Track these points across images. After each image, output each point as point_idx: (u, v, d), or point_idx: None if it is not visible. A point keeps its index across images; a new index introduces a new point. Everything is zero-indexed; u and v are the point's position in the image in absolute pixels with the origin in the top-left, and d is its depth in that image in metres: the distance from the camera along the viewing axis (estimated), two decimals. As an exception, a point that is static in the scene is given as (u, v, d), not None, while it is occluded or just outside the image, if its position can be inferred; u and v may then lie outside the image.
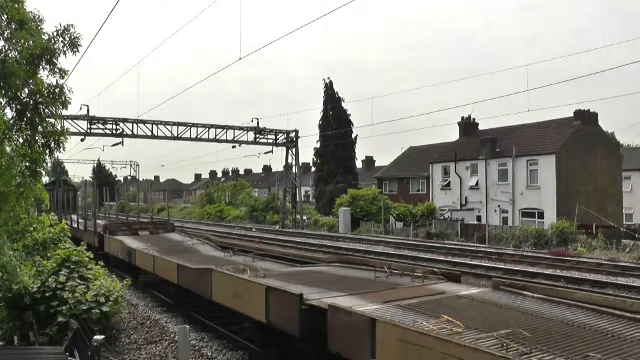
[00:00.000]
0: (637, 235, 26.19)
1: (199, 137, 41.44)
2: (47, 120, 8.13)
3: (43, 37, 7.80)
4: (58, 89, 8.02)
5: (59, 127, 8.37)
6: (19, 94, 7.88)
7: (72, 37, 7.92)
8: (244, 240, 28.67)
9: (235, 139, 42.96)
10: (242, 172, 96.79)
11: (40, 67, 7.85)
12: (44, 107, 7.97)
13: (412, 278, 8.52)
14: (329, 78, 54.62)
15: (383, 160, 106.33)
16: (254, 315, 7.98)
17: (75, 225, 23.46)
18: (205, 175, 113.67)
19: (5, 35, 7.66)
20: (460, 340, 4.74)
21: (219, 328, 10.50)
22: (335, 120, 51.36)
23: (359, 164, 59.01)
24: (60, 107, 8.10)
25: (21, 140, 8.20)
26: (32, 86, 7.87)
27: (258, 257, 12.96)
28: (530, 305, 6.68)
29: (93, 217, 23.60)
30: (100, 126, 37.75)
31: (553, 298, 6.94)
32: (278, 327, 7.35)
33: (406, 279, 8.63)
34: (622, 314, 5.94)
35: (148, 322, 12.16)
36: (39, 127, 8.07)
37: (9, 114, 8.11)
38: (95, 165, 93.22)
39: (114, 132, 38.21)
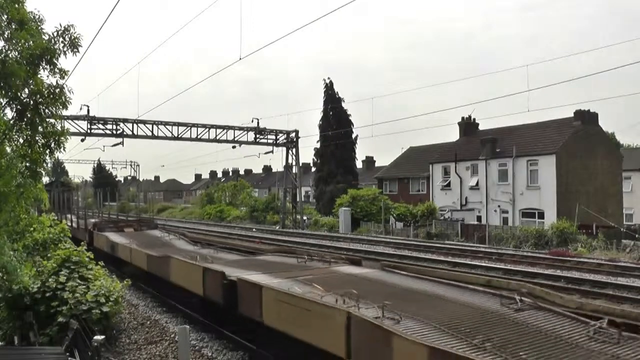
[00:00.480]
0: (637, 235, 26.19)
1: (199, 137, 41.42)
2: (47, 120, 8.13)
3: (43, 37, 7.80)
4: (58, 89, 8.02)
5: (59, 127, 8.37)
6: (19, 94, 7.88)
7: (72, 37, 7.92)
8: (244, 240, 28.70)
9: (235, 139, 42.95)
10: (242, 172, 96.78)
11: (40, 67, 7.85)
12: (44, 107, 7.97)
13: (323, 262, 10.74)
14: (329, 78, 54.65)
15: (383, 160, 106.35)
16: (195, 290, 10.21)
17: (69, 224, 23.99)
18: (205, 175, 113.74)
19: (5, 35, 7.66)
20: (311, 297, 6.85)
21: (178, 305, 12.80)
22: (335, 120, 51.34)
23: (359, 164, 58.99)
24: (60, 107, 8.10)
25: (21, 140, 8.20)
26: (32, 86, 7.87)
27: (220, 249, 15.35)
28: (394, 279, 8.86)
29: (84, 216, 26.14)
30: (100, 126, 37.73)
31: (419, 275, 9.12)
32: (210, 298, 9.58)
33: (319, 263, 10.76)
34: (462, 284, 8.04)
35: (148, 322, 12.16)
36: (39, 127, 8.07)
37: (9, 114, 8.11)
38: (95, 165, 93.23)
39: (114, 132, 38.20)
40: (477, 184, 39.81)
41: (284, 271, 9.72)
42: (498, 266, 19.48)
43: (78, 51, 8.04)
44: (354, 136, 52.39)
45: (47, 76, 8.02)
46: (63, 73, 8.04)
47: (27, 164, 8.12)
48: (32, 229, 11.22)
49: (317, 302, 6.54)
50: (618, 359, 4.65)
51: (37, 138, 8.14)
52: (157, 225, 24.35)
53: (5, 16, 7.51)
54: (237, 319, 8.92)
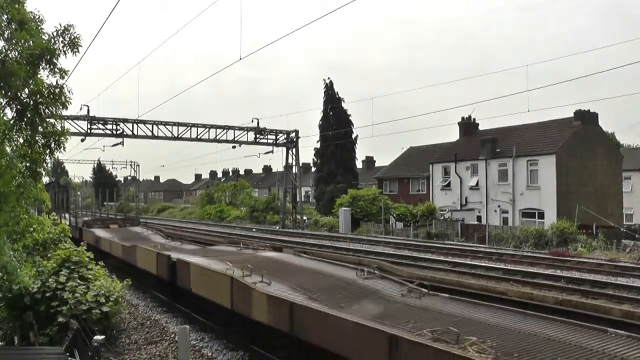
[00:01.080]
0: (637, 235, 26.17)
1: (199, 137, 41.42)
2: (47, 120, 8.13)
3: (43, 37, 7.80)
4: (58, 89, 8.02)
5: (59, 127, 8.38)
6: (18, 94, 7.88)
7: (72, 37, 7.92)
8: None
9: (235, 139, 42.94)
10: (242, 172, 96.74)
11: (40, 67, 7.85)
12: (44, 107, 7.97)
13: (253, 249, 13.69)
14: (329, 78, 54.63)
15: (383, 160, 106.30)
16: (151, 270, 13.06)
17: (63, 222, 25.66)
18: (205, 175, 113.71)
19: (5, 35, 7.66)
20: (216, 269, 9.65)
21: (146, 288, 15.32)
22: (335, 120, 51.33)
23: (359, 164, 58.97)
24: (60, 107, 8.10)
25: (21, 140, 8.20)
26: (32, 86, 7.87)
27: (186, 241, 18.41)
28: (294, 260, 11.64)
29: (76, 215, 29.92)
30: (100, 126, 37.72)
31: (317, 258, 12.22)
32: (160, 276, 12.55)
33: (249, 250, 13.70)
34: (337, 262, 11.35)
35: (148, 322, 12.17)
36: (39, 127, 8.07)
37: (9, 114, 8.11)
38: (95, 165, 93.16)
39: (114, 132, 38.19)
40: (477, 184, 39.81)
41: (219, 255, 12.30)
42: (498, 266, 19.47)
43: (78, 51, 8.04)
44: (354, 136, 52.39)
45: (47, 76, 8.03)
46: (63, 73, 8.04)
47: (27, 164, 8.12)
48: (32, 229, 11.22)
49: (217, 271, 9.53)
50: (421, 307, 7.16)
51: (37, 138, 8.15)
52: (139, 222, 27.28)
53: (5, 16, 7.51)
54: (177, 290, 11.94)
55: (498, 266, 19.49)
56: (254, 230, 42.68)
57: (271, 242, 29.86)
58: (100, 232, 21.67)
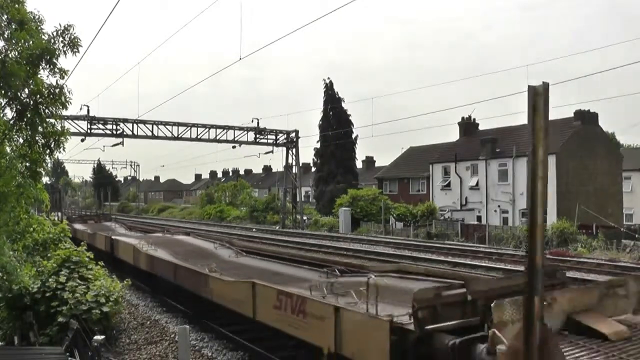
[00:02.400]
0: (637, 235, 26.17)
1: (199, 137, 41.42)
2: (47, 120, 8.13)
3: (43, 37, 7.80)
4: (58, 89, 8.02)
5: (58, 127, 8.38)
6: (18, 94, 7.88)
7: (72, 37, 7.92)
8: (244, 240, 28.70)
9: (235, 139, 42.94)
10: (242, 172, 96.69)
11: (40, 67, 7.85)
12: (43, 107, 7.98)
13: (171, 233, 20.72)
14: (328, 78, 54.59)
15: (383, 160, 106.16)
16: (102, 248, 18.27)
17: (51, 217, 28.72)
18: (205, 175, 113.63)
19: (5, 35, 7.66)
20: (132, 242, 16.02)
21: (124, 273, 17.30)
22: (335, 120, 51.33)
23: (359, 164, 58.94)
24: (60, 107, 8.10)
25: (21, 140, 8.21)
26: (32, 86, 7.87)
27: (138, 231, 23.65)
28: (187, 239, 18.22)
29: (63, 212, 35.94)
30: (100, 126, 37.73)
31: (201, 237, 18.98)
32: (106, 250, 17.83)
33: (168, 234, 20.30)
34: (209, 240, 17.73)
35: (148, 322, 12.17)
36: (39, 127, 8.07)
37: (9, 114, 8.11)
38: (95, 165, 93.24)
39: (114, 132, 38.20)
40: (477, 184, 39.80)
41: (144, 238, 18.25)
42: (498, 266, 19.47)
43: (78, 51, 8.04)
44: (354, 136, 52.40)
45: (47, 76, 8.04)
46: (63, 73, 8.05)
47: (27, 164, 8.12)
48: (32, 229, 11.22)
49: (129, 244, 15.81)
50: (237, 262, 12.48)
51: (37, 138, 8.15)
52: (111, 219, 34.84)
53: (5, 16, 7.51)
54: (115, 259, 16.97)
55: (498, 266, 19.50)
56: (254, 230, 42.67)
57: (266, 240, 30.05)
58: (78, 226, 26.56)
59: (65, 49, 7.89)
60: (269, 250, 15.52)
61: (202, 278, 10.10)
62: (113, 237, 18.39)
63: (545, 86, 3.89)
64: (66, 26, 7.91)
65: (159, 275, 12.90)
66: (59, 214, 36.88)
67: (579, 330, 4.96)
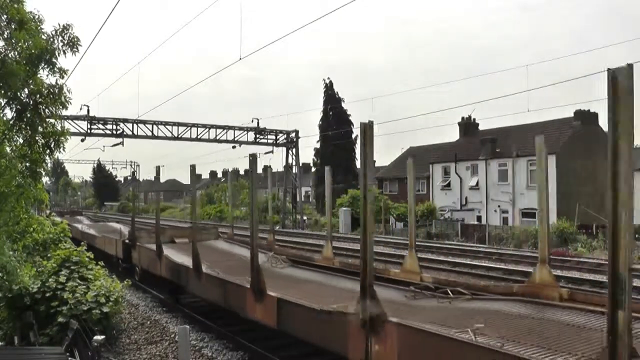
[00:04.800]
0: (637, 235, 26.16)
1: (199, 137, 41.43)
2: (47, 120, 8.13)
3: (42, 36, 7.79)
4: (57, 89, 8.02)
5: (58, 127, 8.37)
6: (18, 93, 7.87)
7: (71, 36, 7.91)
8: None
9: (235, 139, 42.96)
10: (242, 172, 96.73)
11: (40, 66, 7.85)
12: (43, 107, 7.97)
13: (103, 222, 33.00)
14: (328, 78, 54.64)
15: (383, 160, 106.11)
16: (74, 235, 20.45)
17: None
18: (205, 175, 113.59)
19: (5, 35, 7.66)
20: (76, 226, 26.00)
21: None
22: (335, 120, 51.34)
23: (358, 164, 58.86)
24: (60, 107, 8.10)
25: (21, 140, 8.20)
26: (31, 86, 7.87)
27: (95, 222, 32.53)
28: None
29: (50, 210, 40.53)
30: (100, 126, 37.74)
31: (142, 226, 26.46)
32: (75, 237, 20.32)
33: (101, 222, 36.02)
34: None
35: (148, 322, 12.16)
36: (39, 127, 8.07)
37: (9, 114, 8.11)
38: (95, 165, 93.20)
39: (114, 132, 38.21)
40: (477, 184, 39.80)
41: (97, 228, 26.13)
42: (498, 266, 19.47)
43: (77, 50, 8.03)
44: (354, 136, 52.39)
45: (47, 76, 8.03)
46: (63, 72, 8.04)
47: (27, 164, 8.12)
48: (32, 229, 11.22)
49: (97, 235, 21.65)
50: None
51: (36, 138, 8.15)
52: (82, 214, 48.43)
53: (5, 16, 7.50)
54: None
55: (498, 266, 19.50)
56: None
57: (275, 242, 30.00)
58: (56, 219, 32.79)
59: (64, 48, 7.89)
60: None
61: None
62: (77, 225, 25.87)
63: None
64: (65, 25, 7.91)
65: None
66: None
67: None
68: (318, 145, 53.36)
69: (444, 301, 7.44)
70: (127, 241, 16.33)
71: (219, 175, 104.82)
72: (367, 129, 4.98)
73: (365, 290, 5.40)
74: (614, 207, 3.22)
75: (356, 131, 52.41)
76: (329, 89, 52.55)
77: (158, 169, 14.80)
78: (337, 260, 11.82)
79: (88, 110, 36.66)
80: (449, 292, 7.76)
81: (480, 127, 44.83)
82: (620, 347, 3.01)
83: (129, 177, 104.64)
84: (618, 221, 3.22)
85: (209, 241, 16.49)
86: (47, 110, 8.03)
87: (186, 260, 11.46)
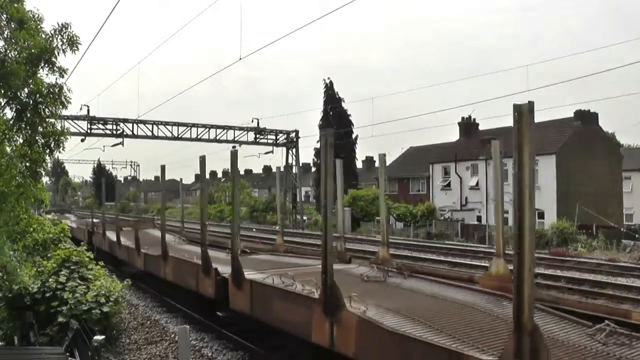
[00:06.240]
0: (637, 235, 26.17)
1: (199, 137, 41.44)
2: (47, 120, 8.12)
3: (42, 35, 7.78)
4: (57, 88, 8.00)
5: (58, 127, 8.37)
6: (18, 93, 7.87)
7: (70, 35, 7.89)
8: (245, 241, 28.75)
9: (235, 139, 42.95)
10: (242, 172, 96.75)
11: (40, 66, 7.84)
12: (43, 107, 7.96)
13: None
14: (328, 78, 54.56)
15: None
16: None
17: None
18: (205, 175, 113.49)
19: (5, 35, 7.65)
20: (79, 226, 29.15)
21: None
22: (336, 120, 51.32)
23: (359, 164, 58.93)
24: (60, 106, 8.09)
25: (21, 140, 8.19)
26: (31, 86, 7.86)
27: (80, 218, 39.11)
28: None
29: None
30: (100, 126, 37.73)
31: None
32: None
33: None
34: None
35: (148, 322, 12.15)
36: (39, 127, 8.06)
37: (9, 113, 8.10)
38: (95, 165, 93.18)
39: (114, 132, 38.21)
40: (477, 184, 39.78)
41: (77, 222, 32.88)
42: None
43: (77, 49, 8.01)
44: (354, 136, 52.41)
45: (47, 75, 8.01)
46: (62, 72, 8.03)
47: (27, 164, 8.11)
48: (32, 229, 11.22)
49: (74, 227, 26.53)
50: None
51: (36, 138, 8.14)
52: (70, 211, 57.83)
53: (5, 15, 7.50)
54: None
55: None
56: (254, 230, 42.69)
57: (267, 241, 30.01)
58: (48, 216, 35.23)
59: (64, 47, 7.87)
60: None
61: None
62: (64, 221, 25.51)
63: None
64: (64, 24, 7.88)
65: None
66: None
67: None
68: (318, 145, 53.34)
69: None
70: (89, 230, 24.50)
71: (219, 175, 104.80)
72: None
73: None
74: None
75: (356, 131, 52.53)
76: (329, 89, 52.55)
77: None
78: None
79: (88, 110, 36.67)
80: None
81: (480, 127, 44.84)
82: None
83: (129, 177, 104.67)
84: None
85: (146, 229, 22.91)
86: (47, 110, 8.02)
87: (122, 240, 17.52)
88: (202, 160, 11.17)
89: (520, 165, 4.35)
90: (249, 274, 8.97)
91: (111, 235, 19.60)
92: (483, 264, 20.05)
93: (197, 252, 11.16)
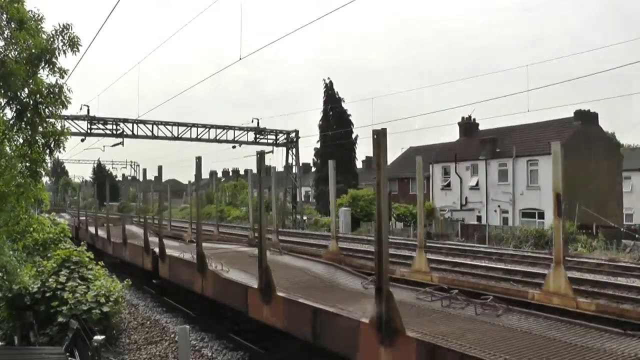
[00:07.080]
0: (637, 235, 26.17)
1: (199, 137, 41.43)
2: (47, 120, 8.12)
3: (42, 36, 7.78)
4: (57, 89, 8.01)
5: (58, 127, 8.37)
6: (18, 93, 7.87)
7: (71, 36, 7.90)
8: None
9: (235, 139, 42.94)
10: (242, 172, 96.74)
11: (40, 66, 7.84)
12: (43, 107, 7.96)
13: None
14: (328, 78, 54.60)
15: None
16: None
17: None
18: (205, 175, 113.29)
19: (5, 35, 7.65)
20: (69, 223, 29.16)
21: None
22: (335, 120, 51.34)
23: (359, 164, 58.93)
24: (60, 106, 8.09)
25: (21, 140, 8.20)
26: (31, 86, 7.86)
27: (72, 215, 45.84)
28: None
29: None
30: (100, 126, 37.73)
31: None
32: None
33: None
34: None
35: (148, 322, 12.16)
36: (39, 127, 8.06)
37: (9, 113, 8.10)
38: (95, 165, 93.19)
39: (114, 132, 38.20)
40: (477, 184, 39.79)
41: (69, 220, 35.16)
42: (498, 266, 19.46)
43: (78, 50, 8.02)
44: (354, 136, 52.42)
45: (47, 75, 8.02)
46: (63, 72, 8.03)
47: (27, 164, 8.11)
48: (32, 229, 11.22)
49: (69, 225, 24.21)
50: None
51: (36, 138, 8.14)
52: (65, 210, 56.12)
53: (5, 15, 7.50)
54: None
55: (498, 266, 19.49)
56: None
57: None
58: (45, 215, 36.40)
59: (64, 48, 7.88)
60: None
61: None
62: (57, 219, 26.99)
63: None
64: (65, 25, 7.90)
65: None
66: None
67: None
68: (318, 145, 53.38)
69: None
70: (76, 226, 28.37)
71: (219, 175, 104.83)
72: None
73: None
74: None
75: (356, 131, 52.54)
76: (329, 89, 52.56)
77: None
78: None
79: (88, 110, 36.66)
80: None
81: (480, 127, 44.84)
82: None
83: (129, 177, 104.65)
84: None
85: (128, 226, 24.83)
86: (47, 110, 8.02)
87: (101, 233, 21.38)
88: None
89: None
90: (171, 253, 12.59)
91: (92, 229, 25.24)
92: (483, 264, 20.07)
93: (155, 241, 14.08)
